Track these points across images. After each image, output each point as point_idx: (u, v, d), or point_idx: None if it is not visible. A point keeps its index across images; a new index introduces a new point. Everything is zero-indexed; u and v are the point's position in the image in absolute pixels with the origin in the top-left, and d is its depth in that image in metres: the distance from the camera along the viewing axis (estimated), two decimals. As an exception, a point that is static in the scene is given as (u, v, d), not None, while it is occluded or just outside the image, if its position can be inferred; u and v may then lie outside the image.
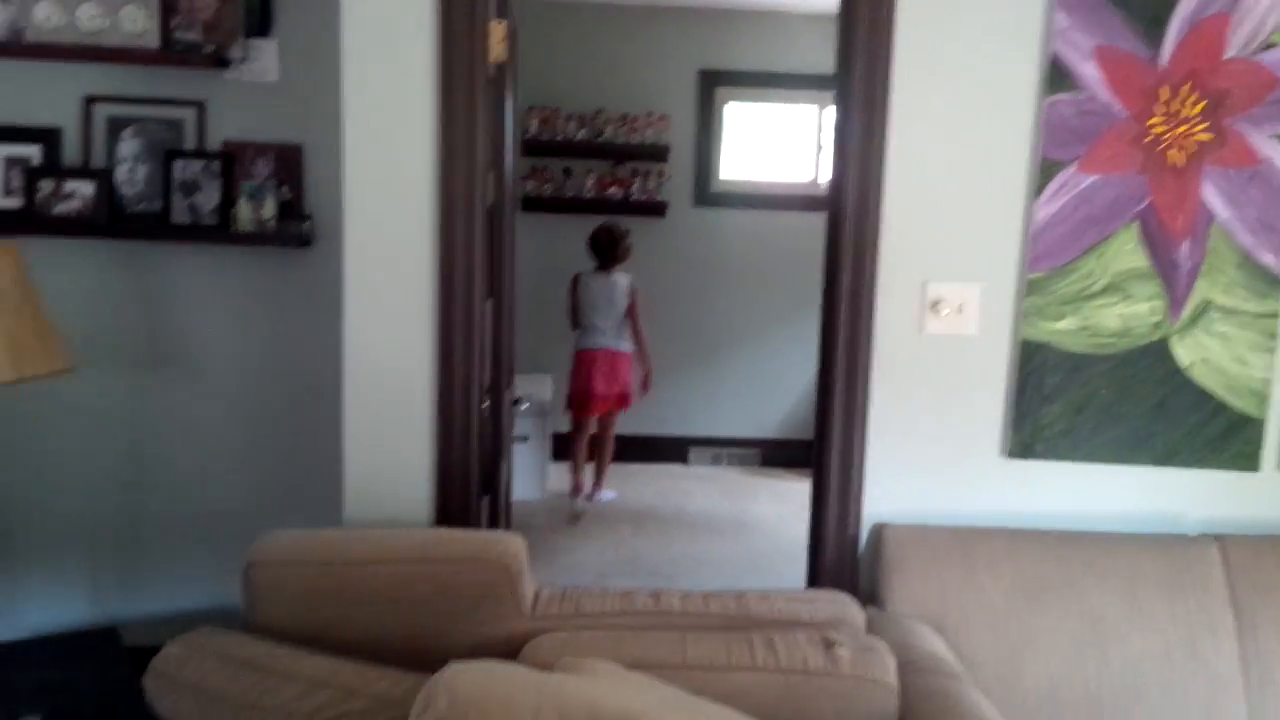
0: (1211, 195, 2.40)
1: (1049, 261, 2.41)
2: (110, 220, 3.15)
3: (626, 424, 5.84)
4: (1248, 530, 2.47)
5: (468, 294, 2.37)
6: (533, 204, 5.96)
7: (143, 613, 3.20)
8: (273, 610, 2.11)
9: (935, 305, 2.42)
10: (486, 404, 2.61)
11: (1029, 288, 2.42)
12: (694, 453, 6.24)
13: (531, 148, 5.90)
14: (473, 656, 1.94)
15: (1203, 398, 2.44)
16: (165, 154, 3.15)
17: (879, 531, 2.45)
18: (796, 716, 1.87)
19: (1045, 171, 2.37)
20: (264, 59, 3.19)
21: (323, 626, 2.08)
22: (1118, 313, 2.43)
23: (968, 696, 1.96)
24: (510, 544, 2.19)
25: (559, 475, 5.64)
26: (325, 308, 2.76)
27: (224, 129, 3.21)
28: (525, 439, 5.31)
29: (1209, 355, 2.45)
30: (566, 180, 6.04)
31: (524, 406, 5.05)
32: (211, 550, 3.25)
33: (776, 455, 6.20)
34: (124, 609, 3.20)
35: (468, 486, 2.44)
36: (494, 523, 3.14)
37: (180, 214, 3.15)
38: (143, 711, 1.98)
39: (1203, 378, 2.45)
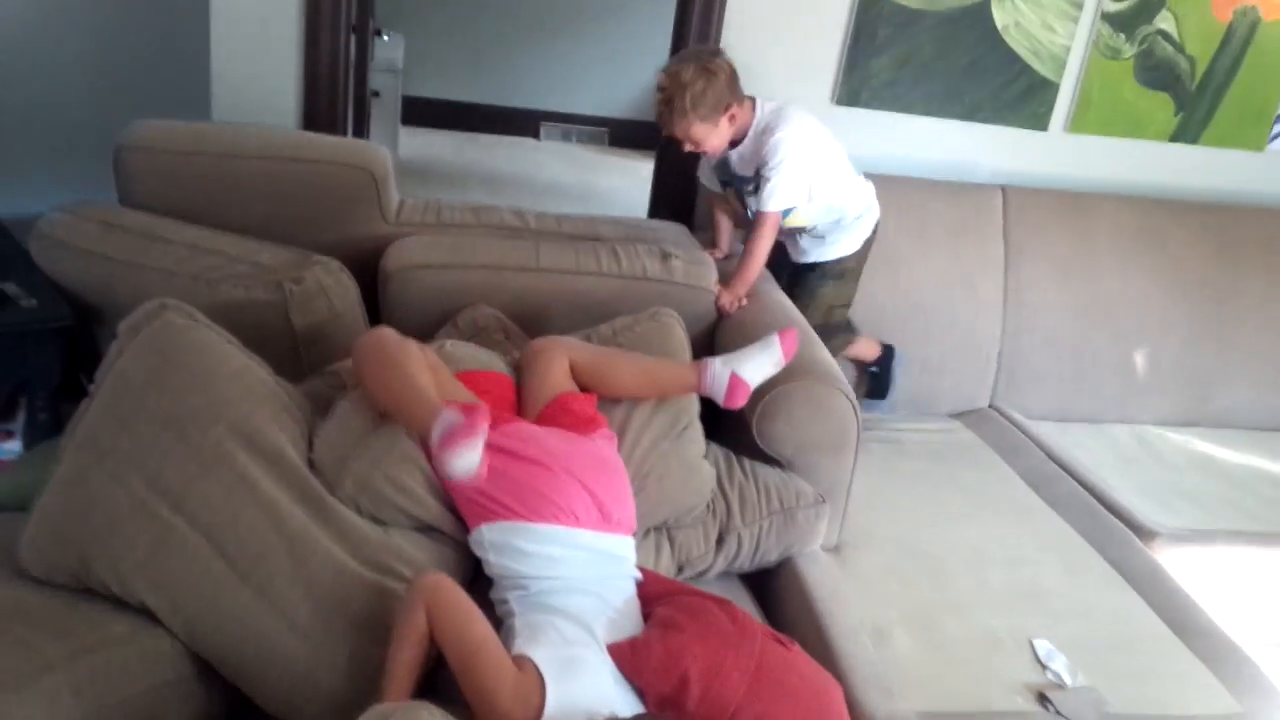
0: None
1: (895, -83, 2.55)
2: None
3: (479, 93, 5.85)
4: (1030, 183, 2.82)
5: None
6: None
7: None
8: (145, 194, 2.17)
9: (787, -49, 2.54)
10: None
11: (875, -59, 2.56)
12: (545, 128, 6.27)
13: None
14: (339, 254, 2.11)
15: (1011, 59, 2.70)
16: None
17: (716, 166, 2.68)
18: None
19: None
20: None
21: (195, 214, 2.16)
22: (950, -28, 2.61)
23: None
24: (377, 151, 2.31)
25: (409, 138, 5.65)
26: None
27: None
28: (377, 94, 5.27)
29: (1022, 20, 2.69)
30: None
31: (386, 38, 5.08)
32: (69, 158, 3.15)
33: (624, 135, 6.27)
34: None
35: (335, 97, 2.51)
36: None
37: None
38: (31, 269, 2.07)
39: (1014, 41, 2.71)
